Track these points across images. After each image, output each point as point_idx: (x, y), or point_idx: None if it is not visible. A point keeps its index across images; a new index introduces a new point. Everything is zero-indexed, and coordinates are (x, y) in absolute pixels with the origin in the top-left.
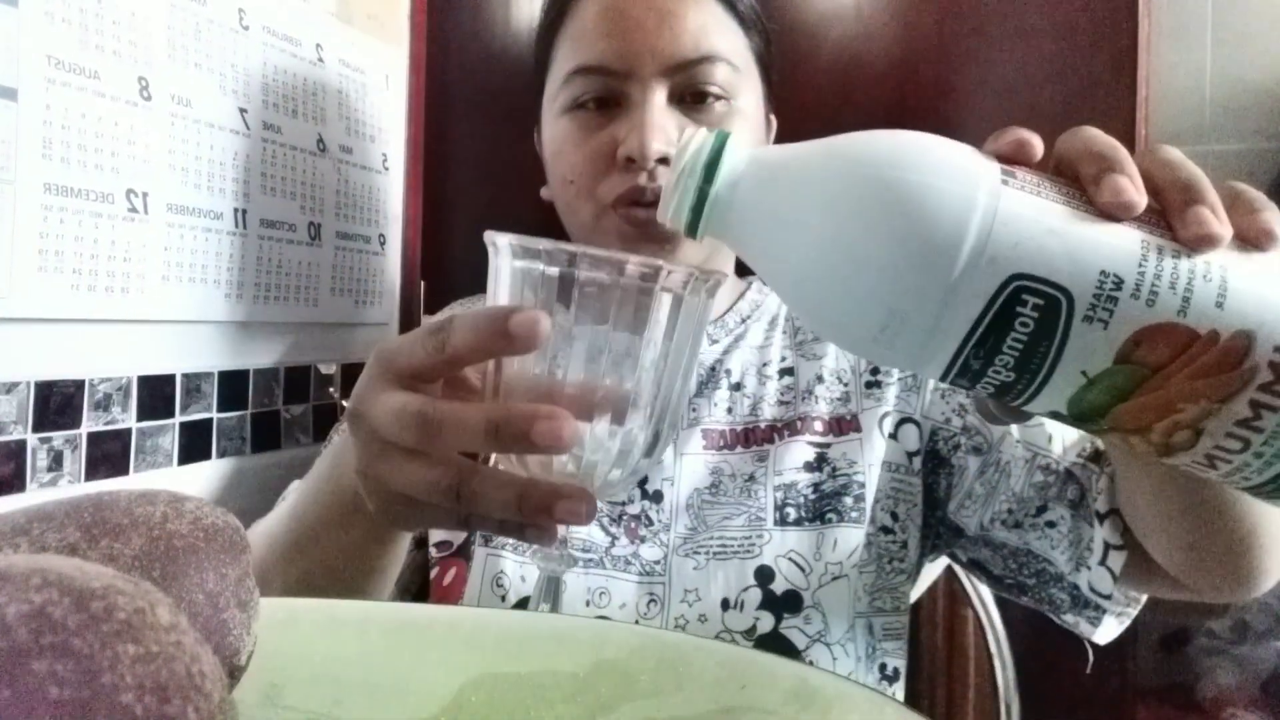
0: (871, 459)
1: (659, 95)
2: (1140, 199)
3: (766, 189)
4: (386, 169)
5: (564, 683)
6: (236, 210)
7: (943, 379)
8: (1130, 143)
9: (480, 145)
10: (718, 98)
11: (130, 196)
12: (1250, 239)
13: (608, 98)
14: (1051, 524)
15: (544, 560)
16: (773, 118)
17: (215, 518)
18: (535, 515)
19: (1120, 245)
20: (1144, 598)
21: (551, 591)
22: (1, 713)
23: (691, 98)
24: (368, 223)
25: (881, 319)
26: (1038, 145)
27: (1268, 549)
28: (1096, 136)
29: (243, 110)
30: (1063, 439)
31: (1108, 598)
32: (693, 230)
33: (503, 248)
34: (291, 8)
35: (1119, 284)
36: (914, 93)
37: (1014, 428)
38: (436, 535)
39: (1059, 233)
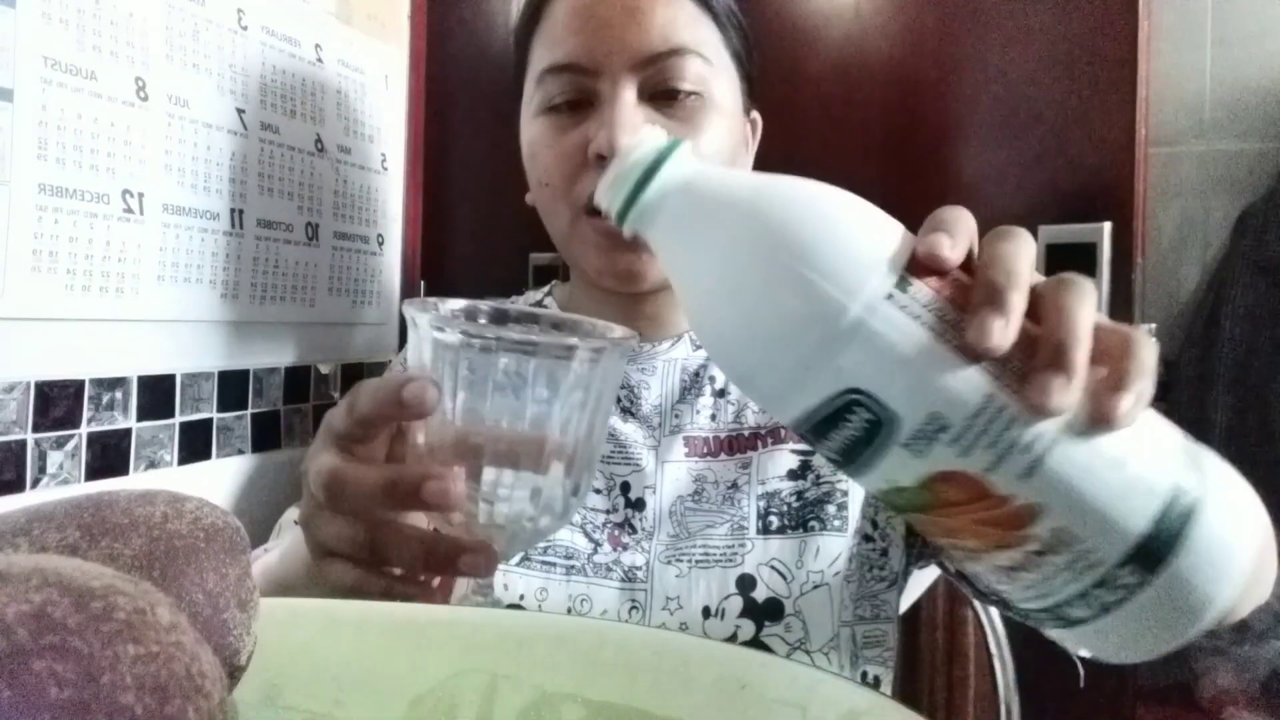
0: None
1: (628, 91)
2: (1001, 347)
3: (692, 208)
4: (385, 169)
5: (564, 683)
6: (233, 210)
7: (794, 430)
8: (1130, 143)
9: (480, 145)
10: (690, 93)
11: (126, 197)
12: (1096, 417)
13: (579, 98)
14: None
15: (470, 603)
16: (757, 116)
17: (215, 518)
18: (440, 568)
19: (962, 394)
20: None
21: None
22: (2, 713)
23: (662, 94)
24: (366, 223)
25: (747, 365)
26: (951, 257)
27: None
28: (1003, 253)
29: (240, 110)
30: None
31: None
32: (620, 219)
33: (421, 323)
34: (291, 8)
35: (943, 429)
36: (914, 93)
37: None
38: None
39: (910, 366)
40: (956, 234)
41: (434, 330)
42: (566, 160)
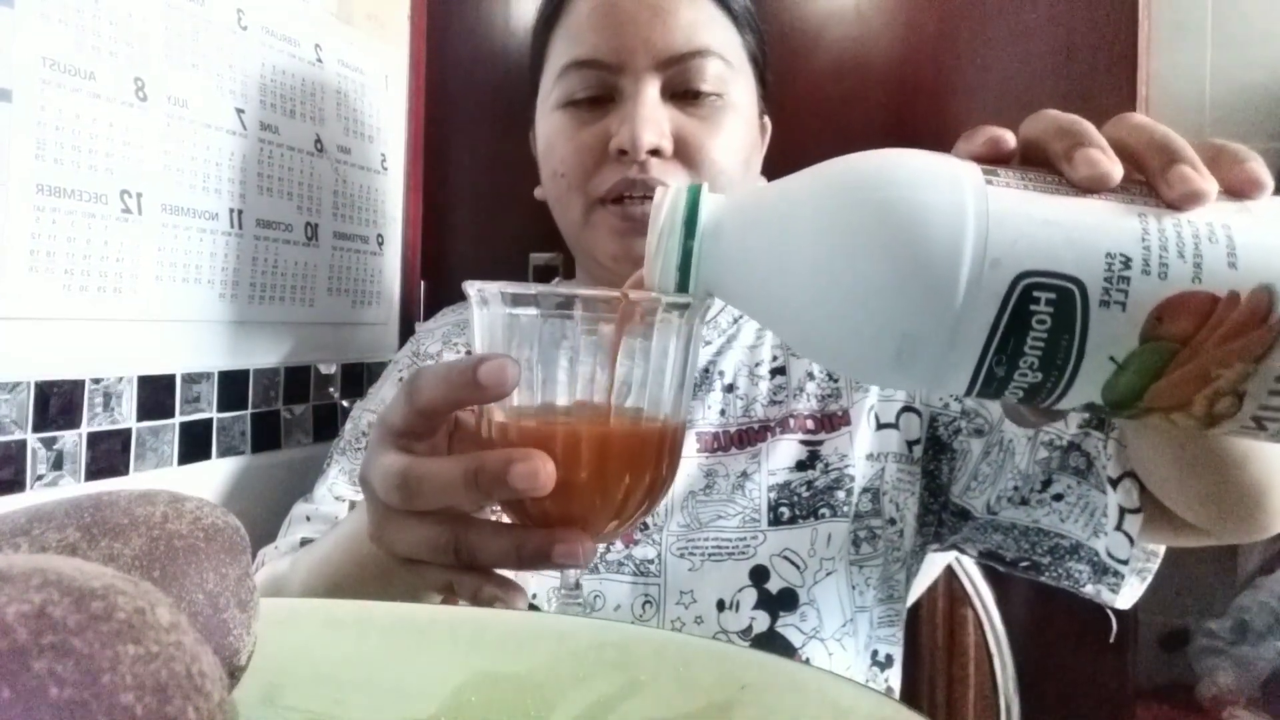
0: (860, 451)
1: (651, 89)
2: (1115, 168)
3: (752, 233)
4: (385, 169)
5: (564, 683)
6: (232, 211)
7: (967, 394)
8: None
9: (480, 145)
10: (710, 93)
11: (124, 197)
12: (1238, 190)
13: (601, 93)
14: (1059, 496)
15: (561, 607)
16: (767, 120)
17: (215, 518)
18: (533, 563)
19: (1118, 223)
20: (1162, 550)
21: None
22: (2, 713)
23: (684, 93)
24: (366, 223)
25: (894, 346)
26: (1010, 139)
27: None
28: (1058, 116)
29: (240, 110)
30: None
31: (1125, 562)
32: (683, 288)
33: (490, 297)
34: (290, 8)
35: (1127, 262)
36: (914, 92)
37: None
38: None
39: (1054, 222)
40: (994, 129)
41: (508, 306)
42: (586, 153)
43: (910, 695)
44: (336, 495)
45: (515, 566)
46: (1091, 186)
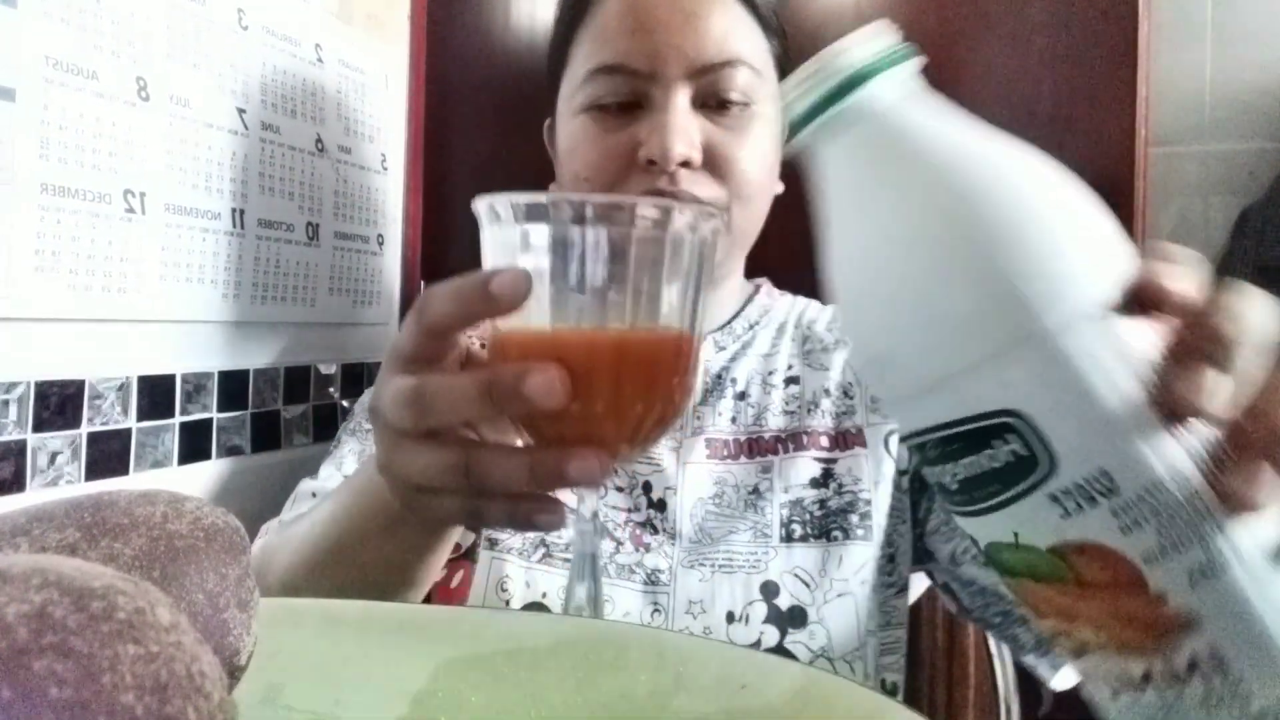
0: (878, 476)
1: (682, 98)
2: (1215, 411)
3: (891, 138)
4: (385, 169)
5: (564, 683)
6: (234, 210)
7: (901, 439)
8: (1130, 143)
9: (480, 145)
10: (739, 103)
11: (128, 197)
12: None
13: (629, 99)
14: None
15: (578, 538)
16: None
17: (215, 518)
18: (548, 482)
19: (1148, 458)
20: None
21: (589, 570)
22: (2, 712)
23: (714, 102)
24: (366, 223)
25: (891, 346)
26: (1177, 291)
27: None
28: (1238, 308)
29: (241, 110)
30: None
31: None
32: (799, 123)
33: (502, 209)
34: (291, 8)
35: (1109, 492)
36: None
37: None
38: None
39: (1094, 405)
40: (1186, 273)
41: (520, 220)
42: (612, 160)
43: (910, 696)
44: (345, 474)
45: (529, 488)
46: (1175, 407)
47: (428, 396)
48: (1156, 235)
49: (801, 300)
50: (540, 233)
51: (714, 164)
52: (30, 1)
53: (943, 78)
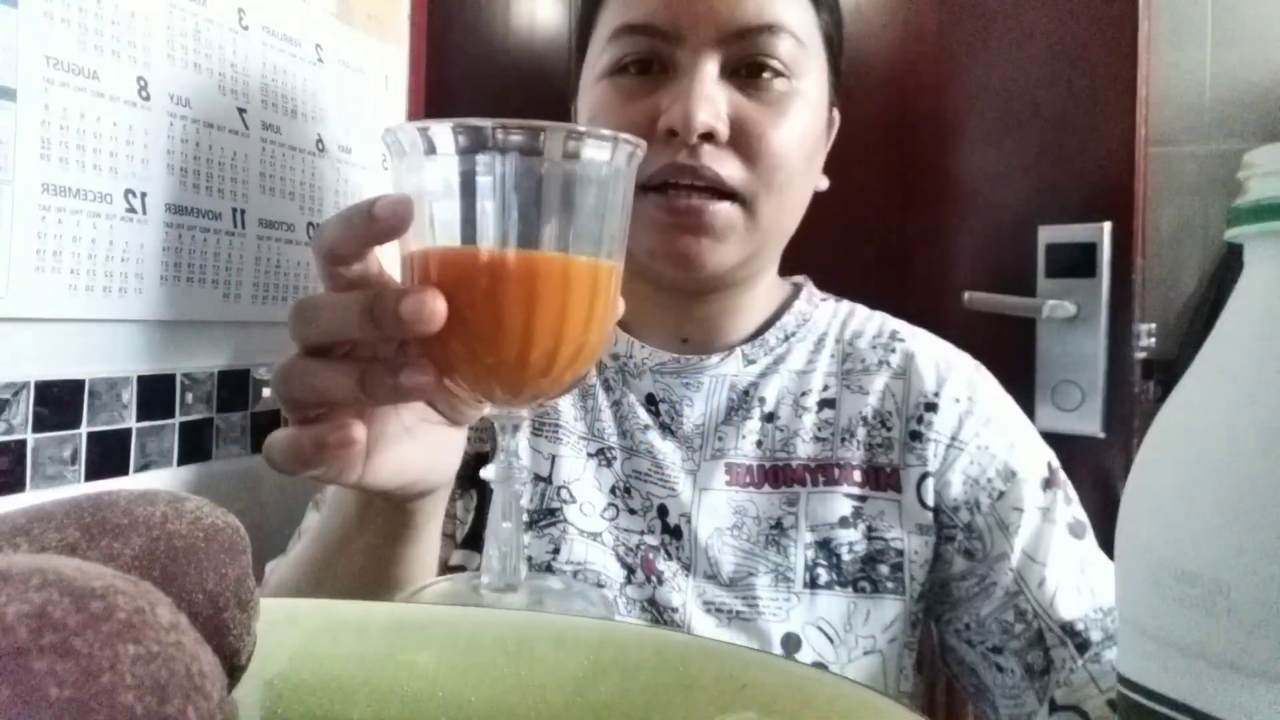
0: (910, 525)
1: (711, 64)
2: None
3: None
4: (387, 169)
5: (564, 683)
6: (235, 210)
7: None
8: (1130, 143)
9: None
10: (778, 74)
11: (129, 197)
12: None
13: (653, 61)
14: (1000, 669)
15: (496, 476)
16: (836, 114)
17: (215, 518)
18: (380, 393)
19: None
20: None
21: (513, 510)
22: (1, 712)
23: (747, 70)
24: None
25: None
26: None
27: None
28: None
29: (242, 110)
30: (1055, 587)
31: None
32: (1252, 216)
33: (408, 142)
34: (291, 8)
35: None
36: (914, 93)
37: (1014, 555)
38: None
39: None
40: None
41: (424, 151)
42: (630, 129)
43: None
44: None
45: (361, 397)
46: None
47: (310, 306)
48: (1156, 235)
49: (846, 306)
50: (444, 162)
51: (742, 140)
52: (31, 1)
53: (943, 78)
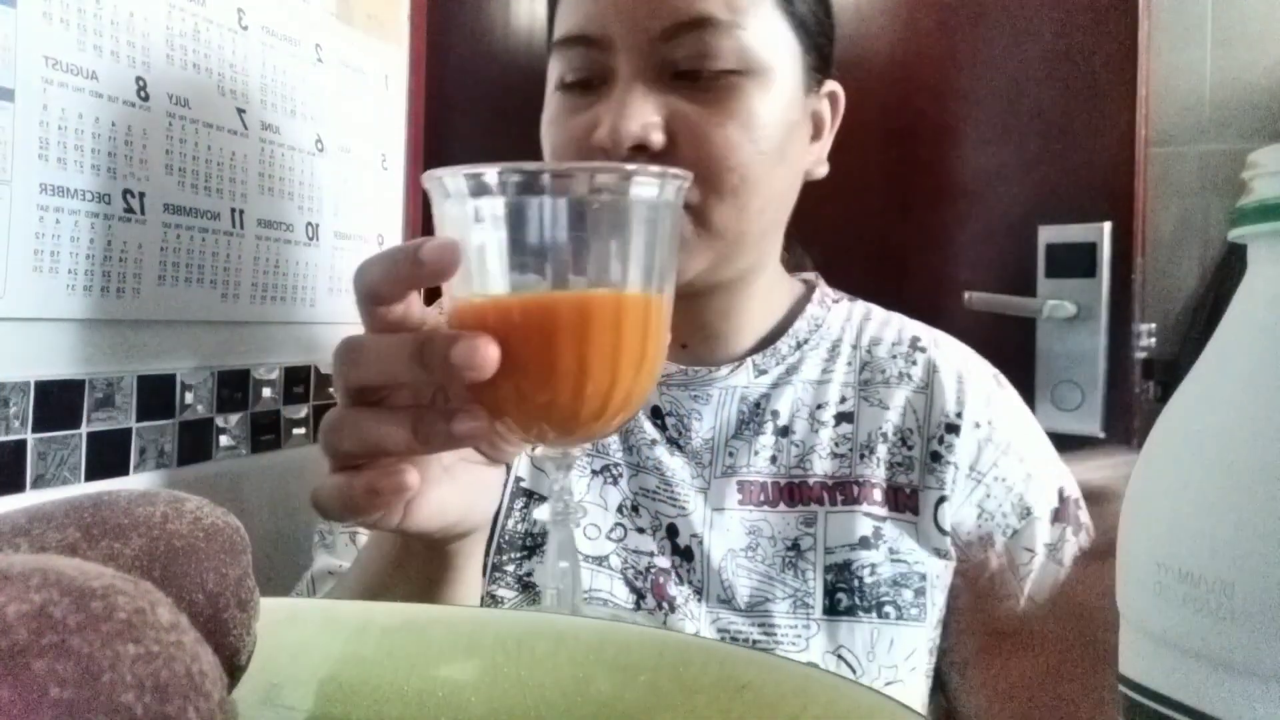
0: (928, 548)
1: (640, 71)
2: None
3: None
4: (385, 169)
5: (564, 683)
6: (233, 210)
7: None
8: (1130, 143)
9: (480, 145)
10: (722, 72)
11: (127, 197)
12: None
13: (591, 75)
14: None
15: (551, 517)
16: (836, 87)
17: (215, 518)
18: (434, 441)
19: None
20: None
21: (568, 550)
22: (1, 712)
23: (685, 73)
24: (366, 223)
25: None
26: None
27: None
28: None
29: (241, 110)
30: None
31: None
32: (1256, 215)
33: (453, 189)
34: (291, 8)
35: None
36: (914, 93)
37: (1022, 598)
38: None
39: None
40: None
41: (470, 195)
42: (573, 145)
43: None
44: (342, 545)
45: (414, 447)
46: None
47: (357, 348)
48: (1156, 235)
49: (861, 308)
50: (491, 205)
51: (684, 148)
52: (30, 1)
53: (943, 78)
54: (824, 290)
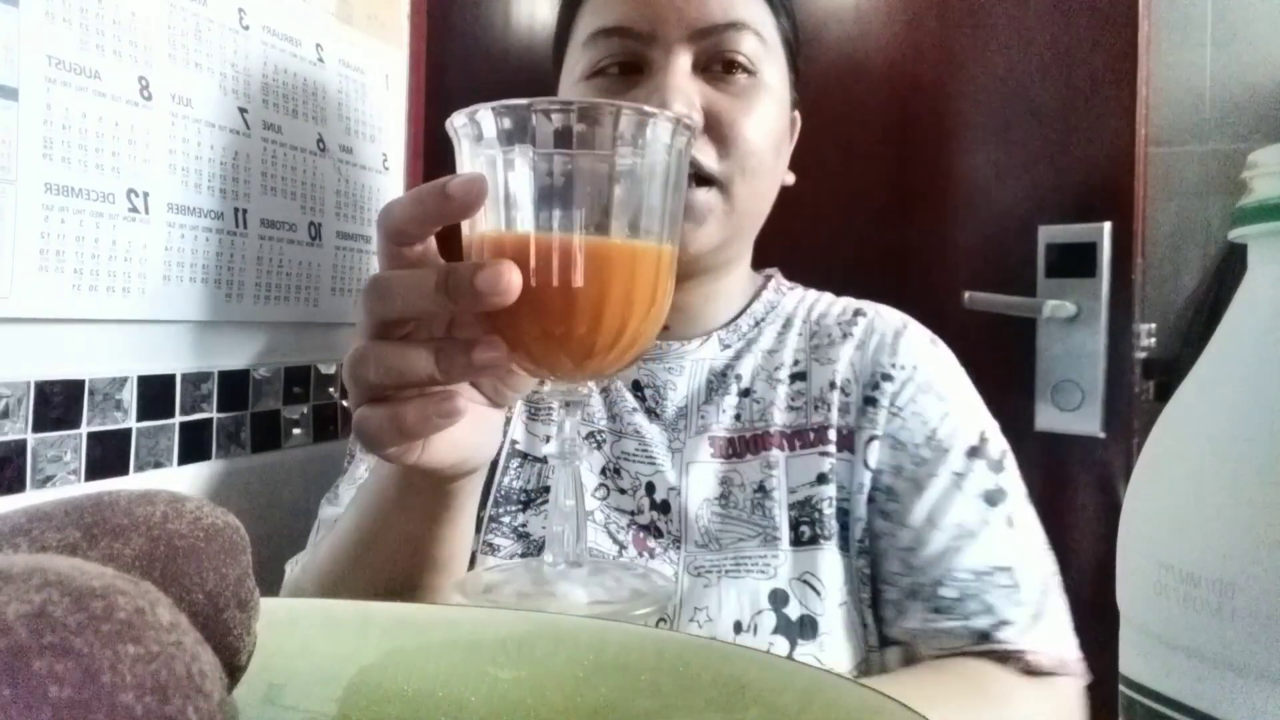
0: (861, 481)
1: (683, 60)
2: None
3: None
4: (386, 169)
5: (564, 683)
6: (237, 210)
7: None
8: (1130, 143)
9: None
10: (745, 69)
11: (131, 196)
12: None
13: (629, 63)
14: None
15: (559, 457)
16: (798, 115)
17: (215, 518)
18: (455, 370)
19: None
20: None
21: (574, 488)
22: (1, 712)
23: (718, 66)
24: (368, 223)
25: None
26: None
27: None
28: None
29: (243, 110)
30: (942, 549)
31: None
32: (1258, 215)
33: (483, 123)
34: (291, 8)
35: None
36: (914, 92)
37: (917, 516)
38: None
39: None
40: None
41: (501, 134)
42: None
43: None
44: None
45: (439, 375)
46: None
47: (384, 282)
48: (1156, 235)
49: (813, 293)
50: (518, 145)
51: (716, 130)
52: (33, 1)
53: (943, 78)
54: (780, 281)
